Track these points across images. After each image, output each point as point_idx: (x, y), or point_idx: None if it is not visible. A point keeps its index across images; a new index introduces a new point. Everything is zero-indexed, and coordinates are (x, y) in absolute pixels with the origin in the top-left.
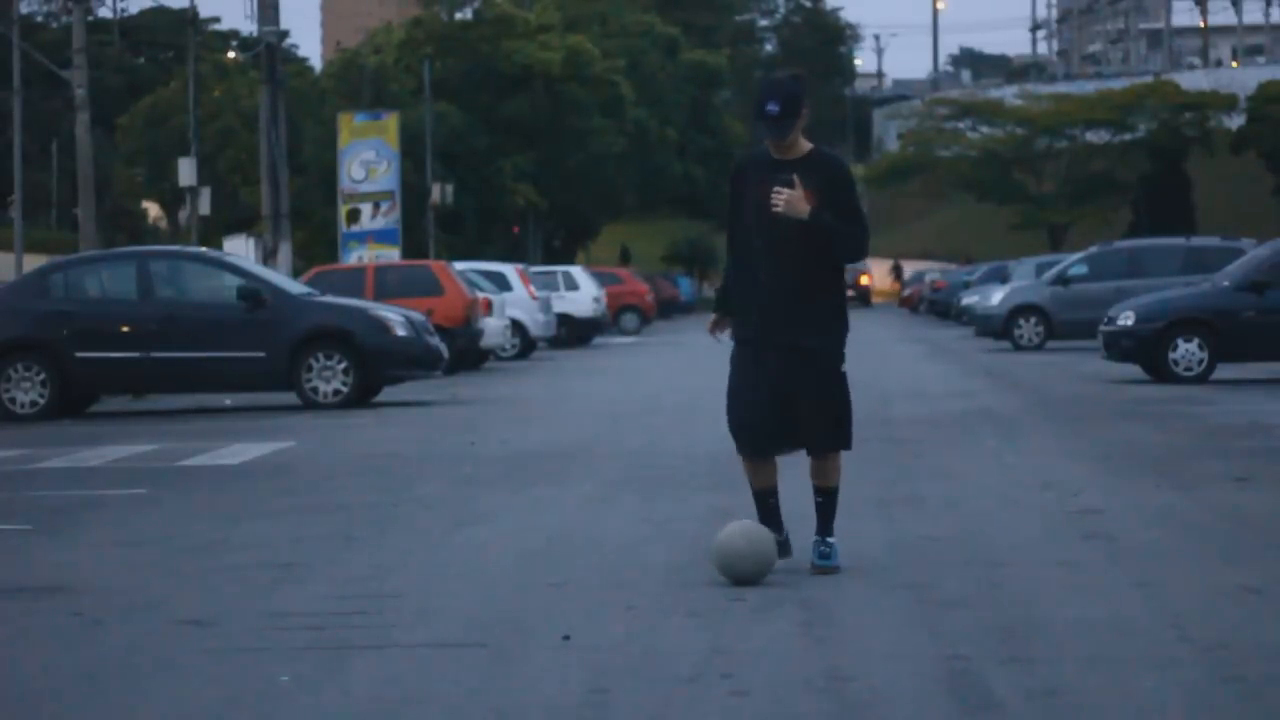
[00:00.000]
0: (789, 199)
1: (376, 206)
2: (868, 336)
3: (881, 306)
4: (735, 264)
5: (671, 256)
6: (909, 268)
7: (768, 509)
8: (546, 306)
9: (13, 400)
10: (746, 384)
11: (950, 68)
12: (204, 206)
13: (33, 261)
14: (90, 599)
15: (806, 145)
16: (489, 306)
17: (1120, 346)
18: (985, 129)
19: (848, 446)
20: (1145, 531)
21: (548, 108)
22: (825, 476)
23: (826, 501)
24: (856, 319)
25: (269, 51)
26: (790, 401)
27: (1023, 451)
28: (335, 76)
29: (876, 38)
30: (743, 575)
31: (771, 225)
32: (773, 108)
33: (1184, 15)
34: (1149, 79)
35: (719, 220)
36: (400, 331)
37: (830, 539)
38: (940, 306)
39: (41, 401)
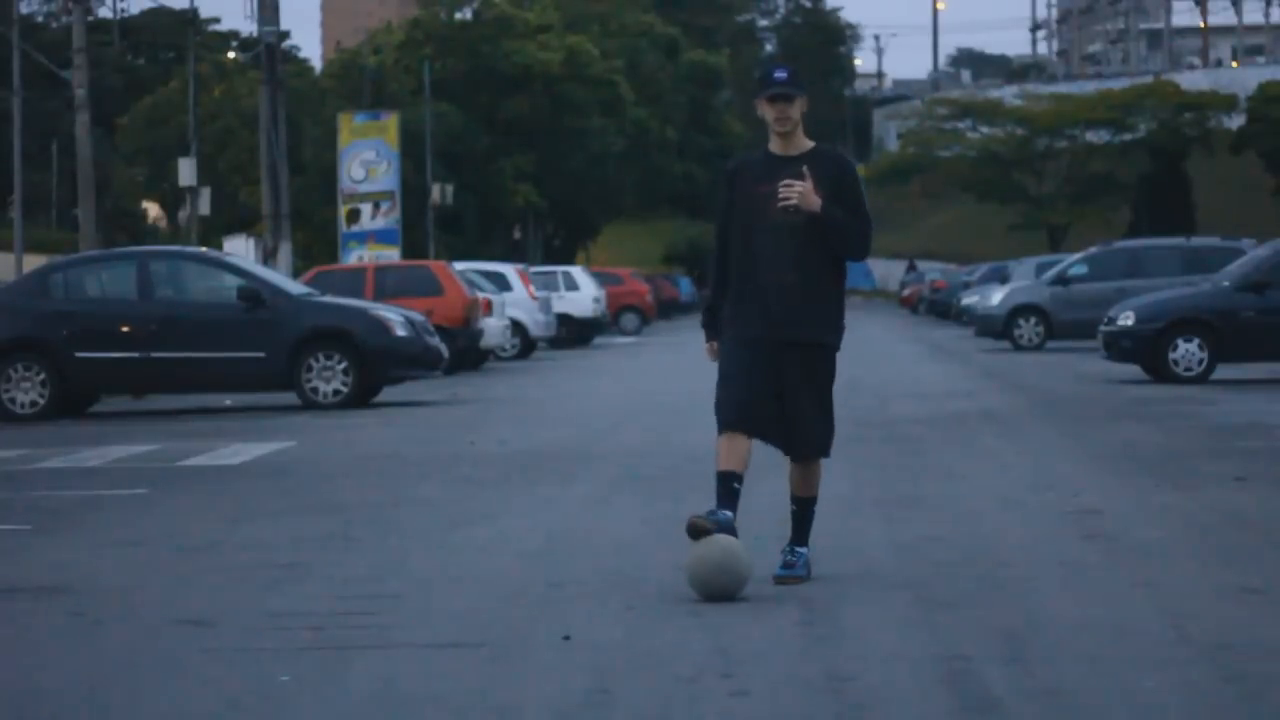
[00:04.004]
0: (803, 191)
1: (376, 206)
2: (868, 336)
3: (881, 306)
4: (735, 266)
5: (671, 256)
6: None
7: (729, 492)
8: (546, 306)
9: (13, 400)
10: (739, 369)
11: (950, 68)
12: (204, 206)
13: (33, 261)
14: (90, 599)
15: (809, 142)
16: (489, 306)
17: (1120, 346)
18: (985, 129)
19: (823, 454)
20: (1145, 531)
21: (548, 108)
22: (807, 486)
23: (800, 511)
24: (855, 317)
25: (269, 51)
26: (781, 399)
27: (1023, 451)
28: (335, 76)
29: (876, 38)
30: (722, 589)
31: (777, 221)
32: (781, 73)
33: (1184, 15)
34: (1149, 79)
35: None
36: (400, 331)
37: (801, 548)
38: (940, 306)
39: (41, 401)
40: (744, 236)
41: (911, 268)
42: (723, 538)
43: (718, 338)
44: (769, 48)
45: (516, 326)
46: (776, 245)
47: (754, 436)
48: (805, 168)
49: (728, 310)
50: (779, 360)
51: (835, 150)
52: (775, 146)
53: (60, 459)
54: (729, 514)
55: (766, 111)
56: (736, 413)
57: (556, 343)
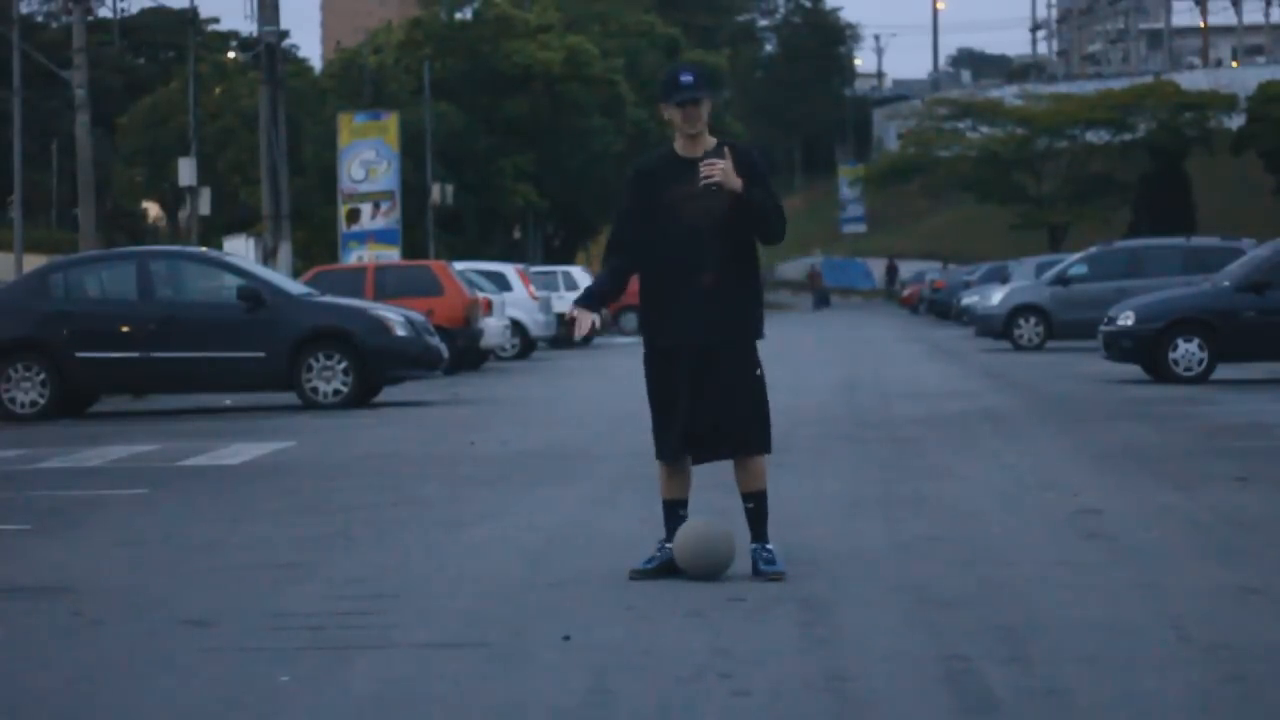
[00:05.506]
0: (725, 168)
1: (376, 206)
2: (868, 336)
3: (882, 306)
4: (648, 272)
5: None
6: (908, 268)
7: (677, 520)
8: (546, 306)
9: (13, 400)
10: (670, 392)
11: (950, 68)
12: (204, 206)
13: (33, 261)
14: (90, 599)
15: (712, 140)
16: (489, 306)
17: (1120, 346)
18: (985, 129)
19: (768, 449)
20: (1145, 531)
21: (548, 108)
22: (752, 481)
23: (757, 506)
24: (855, 318)
25: (269, 51)
26: (711, 406)
27: (1023, 451)
28: (335, 76)
29: (876, 38)
30: (713, 566)
31: (693, 224)
32: (687, 77)
33: (1184, 15)
34: (1149, 79)
35: None
36: (400, 331)
37: (769, 545)
38: (940, 306)
39: (41, 401)
40: (657, 241)
41: (892, 268)
42: (691, 526)
43: (591, 309)
44: (769, 47)
45: (516, 326)
46: (692, 248)
47: (689, 464)
48: (726, 149)
49: (645, 318)
50: (700, 364)
51: (741, 143)
52: (682, 148)
53: (60, 459)
54: (671, 546)
55: (674, 115)
56: (660, 444)
57: (556, 343)
